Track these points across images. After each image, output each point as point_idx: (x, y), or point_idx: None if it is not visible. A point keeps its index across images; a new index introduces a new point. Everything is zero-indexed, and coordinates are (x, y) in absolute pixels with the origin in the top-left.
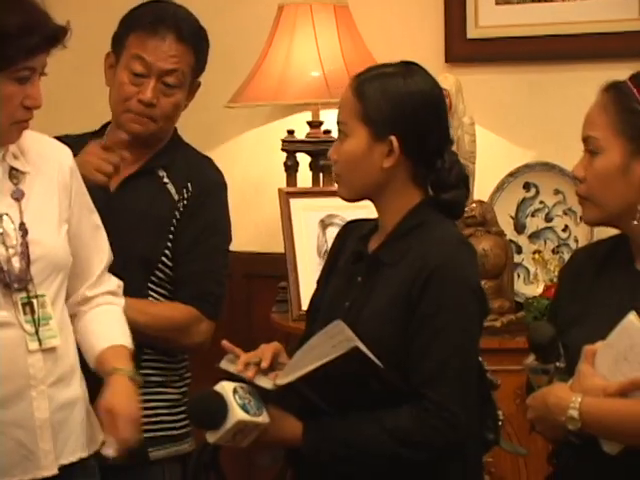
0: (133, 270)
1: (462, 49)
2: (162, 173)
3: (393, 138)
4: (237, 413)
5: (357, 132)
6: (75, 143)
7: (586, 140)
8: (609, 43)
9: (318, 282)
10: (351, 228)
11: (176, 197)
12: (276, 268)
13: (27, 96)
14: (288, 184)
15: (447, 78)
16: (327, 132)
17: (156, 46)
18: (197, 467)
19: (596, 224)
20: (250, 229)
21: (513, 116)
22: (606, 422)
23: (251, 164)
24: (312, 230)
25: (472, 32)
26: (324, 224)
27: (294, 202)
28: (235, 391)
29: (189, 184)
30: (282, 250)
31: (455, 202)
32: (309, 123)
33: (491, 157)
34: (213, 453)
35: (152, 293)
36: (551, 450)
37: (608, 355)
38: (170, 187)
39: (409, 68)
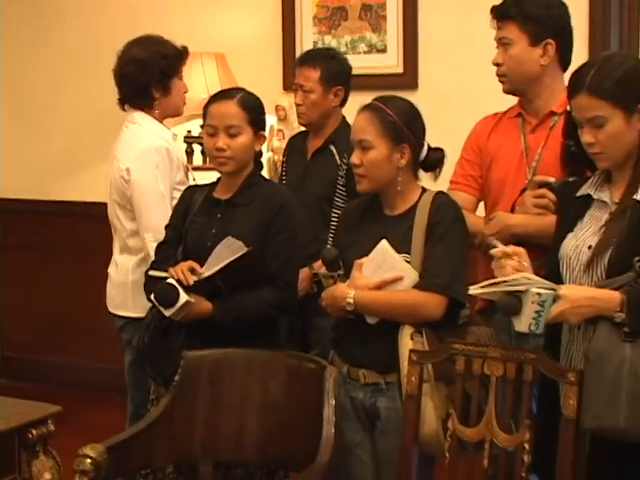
0: (314, 210)
1: (294, 78)
2: (332, 148)
3: None
4: (185, 296)
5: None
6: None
7: (360, 141)
8: (375, 81)
9: (172, 221)
10: (194, 190)
11: (338, 161)
12: None
13: (184, 86)
14: (188, 162)
15: (284, 98)
16: None
17: None
18: (147, 332)
19: (367, 193)
20: None
21: None
22: (369, 305)
23: None
24: None
25: None
26: None
27: (192, 174)
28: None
29: (345, 154)
30: None
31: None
32: (201, 126)
33: None
34: (159, 325)
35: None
36: (335, 323)
37: (370, 266)
38: (335, 155)
39: None
